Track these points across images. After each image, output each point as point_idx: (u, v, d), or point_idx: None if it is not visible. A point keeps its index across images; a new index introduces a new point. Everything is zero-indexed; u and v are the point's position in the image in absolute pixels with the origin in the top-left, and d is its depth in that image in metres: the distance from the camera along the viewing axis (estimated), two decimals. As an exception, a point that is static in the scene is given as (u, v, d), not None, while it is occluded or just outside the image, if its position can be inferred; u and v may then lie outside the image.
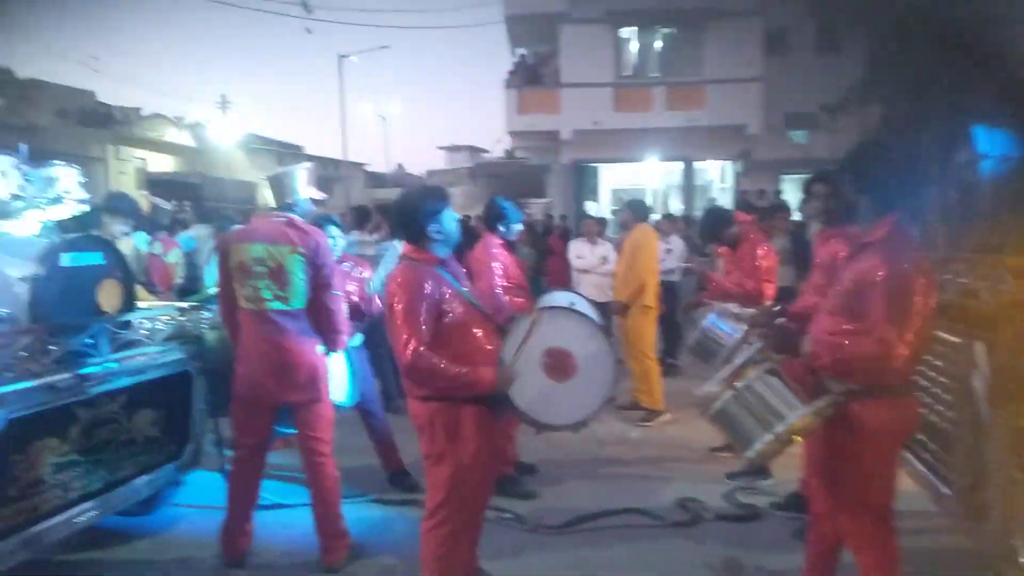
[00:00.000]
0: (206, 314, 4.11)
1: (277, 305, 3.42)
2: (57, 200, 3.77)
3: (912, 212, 2.53)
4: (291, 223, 3.47)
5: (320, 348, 3.56)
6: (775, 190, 15.85)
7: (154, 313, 3.97)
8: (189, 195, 15.80)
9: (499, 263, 4.44)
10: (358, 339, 4.52)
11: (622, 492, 4.51)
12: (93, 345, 3.35)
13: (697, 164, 19.18)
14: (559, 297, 3.74)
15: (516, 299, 4.45)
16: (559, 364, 2.82)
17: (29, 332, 3.11)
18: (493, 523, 3.84)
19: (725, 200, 17.91)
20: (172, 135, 25.97)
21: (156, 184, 18.49)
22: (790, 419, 2.41)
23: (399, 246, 6.56)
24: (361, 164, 36.15)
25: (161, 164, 23.97)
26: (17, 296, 3.15)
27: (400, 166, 40.59)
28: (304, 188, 3.58)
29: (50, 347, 3.16)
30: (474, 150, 36.83)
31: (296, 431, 3.62)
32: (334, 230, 4.30)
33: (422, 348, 2.65)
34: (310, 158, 24.98)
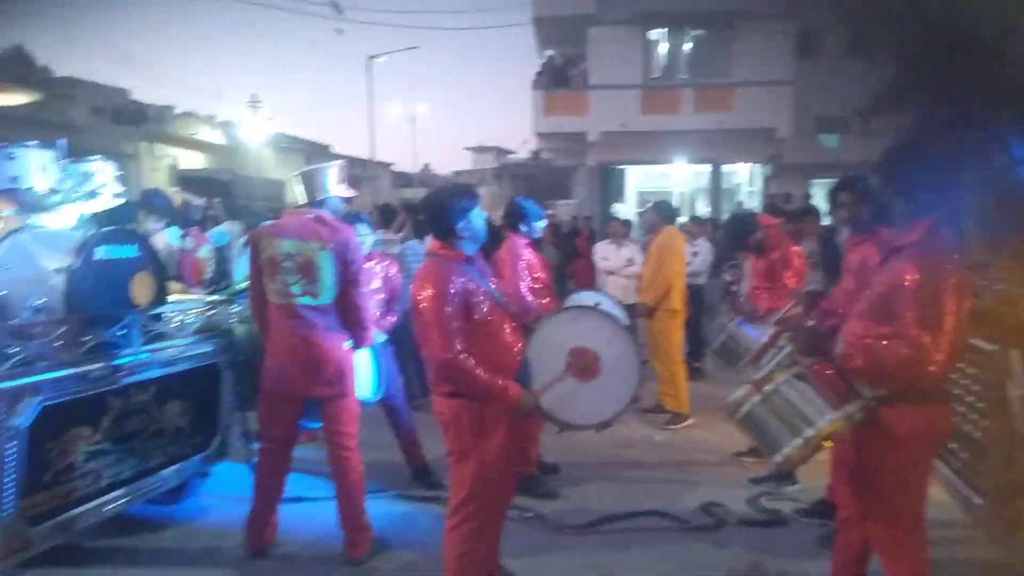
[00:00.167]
0: (235, 308, 4.17)
1: (306, 300, 3.45)
2: (93, 194, 3.84)
3: (947, 216, 2.49)
4: (321, 219, 3.51)
5: (347, 343, 3.59)
6: (804, 194, 15.66)
7: (184, 306, 4.03)
8: (219, 192, 15.98)
9: (524, 263, 4.44)
10: (383, 336, 4.54)
11: (645, 495, 4.49)
12: (125, 336, 3.42)
13: (725, 167, 19.02)
14: (586, 297, 3.74)
15: (542, 300, 4.45)
16: (584, 364, 2.81)
17: (64, 322, 3.18)
18: (515, 522, 3.84)
19: (753, 204, 17.73)
20: (203, 133, 26.35)
21: (187, 181, 18.75)
22: (819, 424, 2.37)
23: (419, 245, 6.63)
24: (388, 164, 36.39)
25: (192, 161, 24.35)
26: (53, 287, 3.22)
27: (426, 166, 40.81)
28: (335, 185, 3.61)
29: (84, 337, 3.23)
30: (500, 151, 36.90)
31: (322, 425, 3.65)
32: (363, 227, 4.33)
33: (459, 349, 2.65)
34: (338, 157, 25.18)
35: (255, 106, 26.82)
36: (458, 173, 35.35)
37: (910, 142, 2.62)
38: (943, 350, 2.29)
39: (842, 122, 17.17)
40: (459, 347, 2.66)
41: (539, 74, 19.47)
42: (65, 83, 21.20)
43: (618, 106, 17.53)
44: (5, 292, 3.23)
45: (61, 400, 3.07)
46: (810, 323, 2.88)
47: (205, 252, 6.39)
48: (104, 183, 3.88)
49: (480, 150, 38.92)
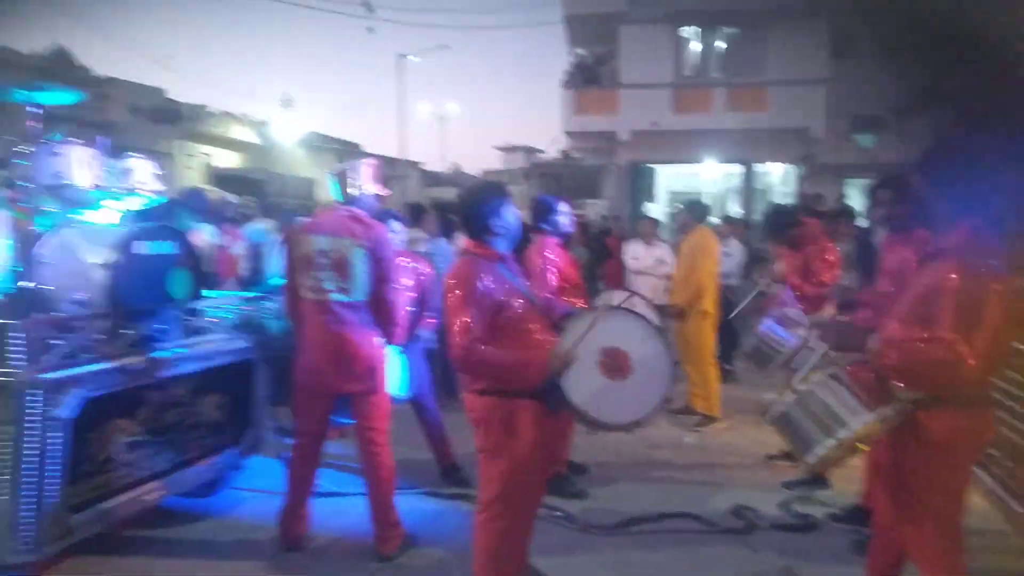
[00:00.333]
0: (269, 304, 4.23)
1: (339, 296, 3.49)
2: (133, 191, 3.93)
3: (989, 219, 2.43)
4: (355, 216, 3.55)
5: (379, 340, 3.62)
6: (839, 195, 15.41)
7: (221, 302, 4.10)
8: (252, 190, 16.25)
9: (554, 264, 4.42)
10: (429, 336, 4.59)
11: (674, 496, 4.46)
12: (164, 331, 3.49)
13: (757, 167, 18.79)
14: (618, 297, 3.72)
15: (572, 300, 4.43)
16: (615, 363, 2.80)
17: (105, 316, 3.25)
18: (544, 521, 3.84)
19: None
20: (237, 132, 26.75)
21: (221, 179, 19.10)
22: (854, 425, 2.34)
23: (447, 244, 6.65)
24: (418, 163, 36.59)
25: (226, 160, 24.74)
26: (96, 282, 3.30)
27: (456, 165, 40.94)
28: (369, 183, 3.65)
29: (124, 331, 3.30)
30: (529, 150, 36.85)
31: (353, 421, 3.69)
32: (395, 225, 4.37)
33: (473, 341, 2.67)
34: (368, 156, 25.40)
35: (288, 105, 27.18)
36: (487, 172, 35.37)
37: (952, 142, 2.55)
38: (979, 354, 2.24)
39: (879, 122, 16.86)
40: (476, 341, 2.66)
41: (569, 73, 19.43)
42: (104, 83, 21.66)
43: (649, 105, 17.42)
44: (49, 286, 3.32)
45: (102, 392, 3.14)
46: (843, 319, 2.83)
47: (240, 249, 6.50)
48: (144, 180, 3.98)
49: (509, 149, 38.88)
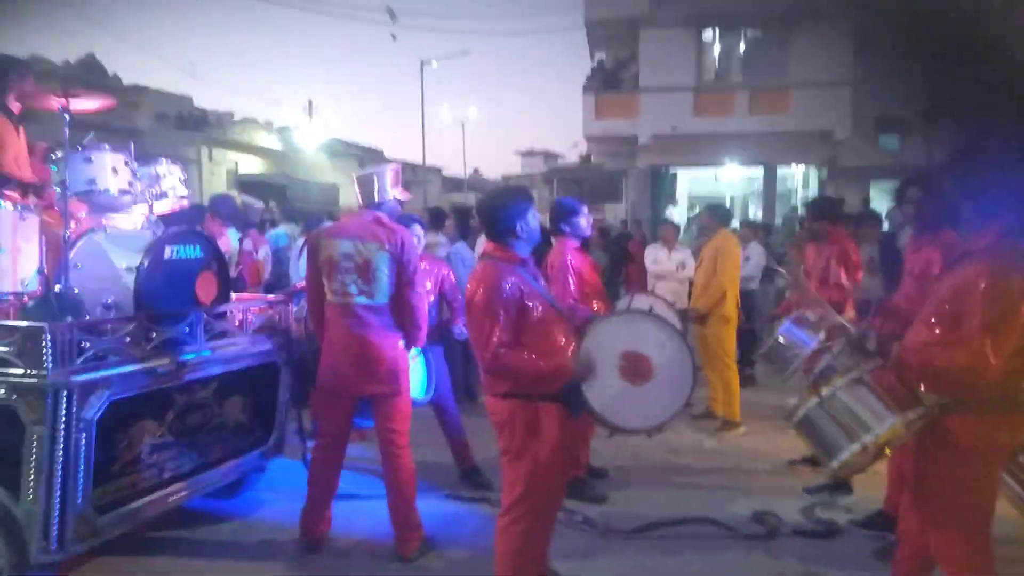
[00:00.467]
0: (293, 308, 4.28)
1: (362, 300, 3.53)
2: (162, 196, 4.00)
3: (1020, 220, 2.39)
4: (378, 221, 3.58)
5: (401, 343, 3.65)
6: (864, 198, 15.23)
7: (245, 305, 4.15)
8: (276, 196, 16.44)
9: (573, 268, 4.42)
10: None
11: (694, 501, 4.44)
12: (190, 334, 3.54)
13: (779, 170, 18.64)
14: (639, 301, 3.72)
15: (593, 303, 4.43)
16: (636, 367, 2.80)
17: (133, 319, 3.31)
18: (563, 525, 3.84)
19: (808, 208, 17.31)
20: (261, 139, 27.11)
21: (245, 185, 19.33)
22: (878, 430, 2.32)
23: (465, 248, 6.67)
24: (438, 168, 36.76)
25: (250, 166, 25.07)
26: (124, 285, 3.36)
27: (476, 171, 41.07)
28: (391, 188, 3.69)
29: (151, 334, 3.35)
30: (549, 155, 36.89)
31: (374, 423, 3.72)
32: (418, 229, 4.40)
33: (503, 346, 2.69)
34: (390, 162, 25.51)
35: (311, 112, 27.48)
36: (507, 177, 35.47)
37: (982, 144, 2.52)
38: (1003, 358, 2.21)
39: (904, 123, 16.65)
40: (503, 345, 2.68)
41: (590, 77, 19.44)
42: (133, 90, 22.09)
43: (670, 108, 17.37)
44: (79, 290, 3.38)
45: (129, 394, 3.19)
46: (866, 327, 2.79)
47: (264, 253, 6.58)
48: (172, 185, 4.04)
49: (529, 154, 38.97)
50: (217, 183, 22.19)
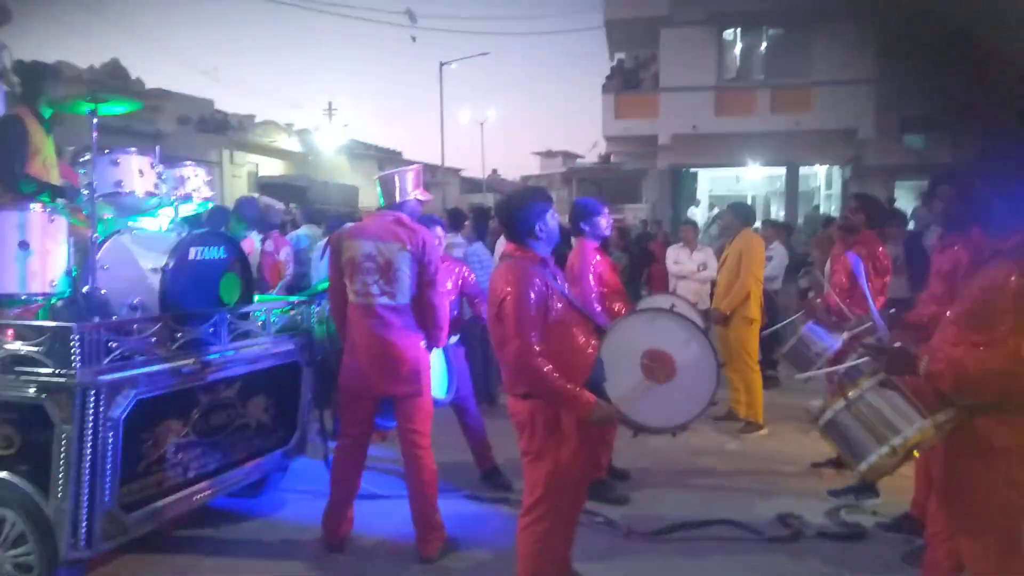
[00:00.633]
0: (315, 308, 4.30)
1: (384, 300, 3.55)
2: (186, 198, 4.05)
3: None
4: (399, 221, 3.60)
5: (423, 343, 3.66)
6: (889, 197, 15.04)
7: (268, 306, 4.19)
8: (296, 197, 16.56)
9: (593, 268, 4.40)
10: (454, 337, 4.61)
11: (717, 503, 4.40)
12: (214, 334, 3.57)
13: (802, 169, 18.47)
14: (660, 301, 3.70)
15: (613, 304, 4.42)
16: (659, 366, 2.78)
17: (159, 320, 3.35)
18: (585, 526, 3.82)
19: (831, 208, 17.15)
20: (282, 141, 27.37)
21: (266, 187, 19.50)
22: (907, 432, 2.28)
23: (483, 249, 6.67)
24: (457, 169, 36.85)
25: (271, 168, 25.32)
26: (150, 286, 3.40)
27: (495, 171, 41.09)
28: (413, 189, 3.70)
29: (177, 334, 3.39)
30: (568, 155, 36.83)
31: (396, 424, 3.73)
32: (438, 230, 4.41)
33: (534, 349, 2.67)
34: (409, 163, 25.66)
35: (331, 114, 27.68)
36: (526, 178, 35.45)
37: (1013, 141, 2.47)
38: None
39: (929, 122, 16.40)
40: (537, 349, 2.68)
41: (609, 77, 19.39)
42: (156, 95, 22.38)
43: (690, 108, 17.29)
44: (106, 291, 3.43)
45: (155, 394, 3.23)
46: (896, 343, 2.73)
47: (285, 254, 6.62)
48: (196, 187, 4.09)
49: (548, 155, 38.92)
50: (238, 185, 22.44)
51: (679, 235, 8.33)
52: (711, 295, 6.81)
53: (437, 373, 4.18)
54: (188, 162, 4.17)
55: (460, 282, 4.75)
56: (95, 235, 3.38)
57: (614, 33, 19.49)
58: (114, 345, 3.08)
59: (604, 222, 4.57)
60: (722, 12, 17.25)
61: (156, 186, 3.78)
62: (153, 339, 3.27)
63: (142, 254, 3.50)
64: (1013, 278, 2.22)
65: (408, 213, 3.67)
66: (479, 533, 3.98)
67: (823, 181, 19.35)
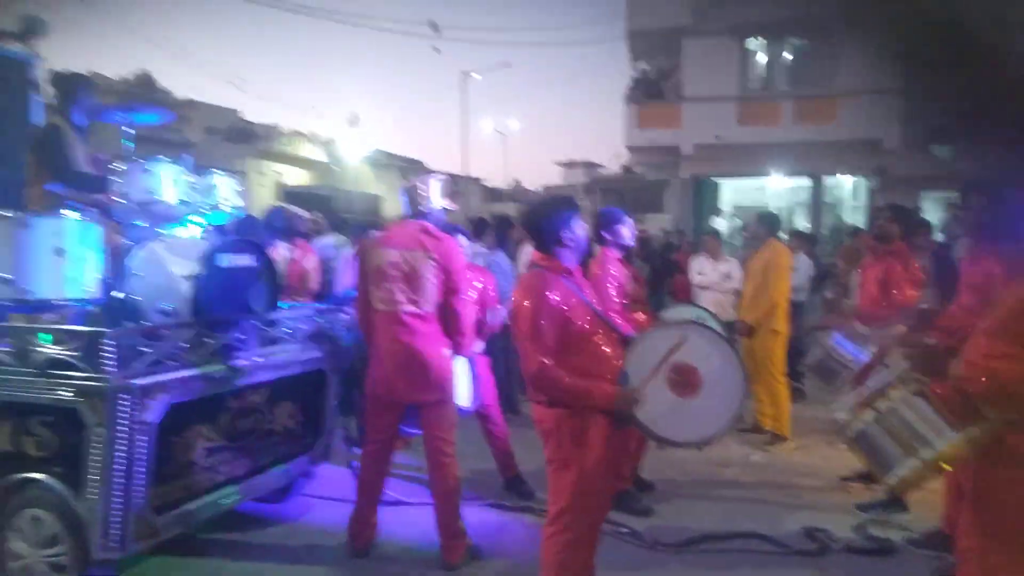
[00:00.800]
0: (341, 316, 4.35)
1: (409, 308, 3.58)
2: (217, 207, 4.12)
3: None
4: (425, 230, 3.64)
5: (447, 351, 3.68)
6: (915, 208, 14.83)
7: (295, 314, 4.24)
8: (321, 207, 16.72)
9: (615, 278, 4.39)
10: (479, 345, 4.63)
11: (742, 516, 4.36)
12: (244, 340, 3.62)
13: (826, 180, 18.29)
14: (684, 311, 3.68)
15: (636, 314, 4.41)
16: (685, 379, 2.76)
17: (189, 326, 3.41)
18: (609, 537, 3.81)
19: (857, 219, 16.95)
20: (307, 150, 27.65)
21: (291, 196, 19.71)
22: (938, 445, 2.25)
23: (505, 258, 6.67)
24: (479, 179, 37.00)
25: (296, 177, 25.59)
26: (182, 293, 3.46)
27: (517, 181, 41.19)
28: (438, 198, 3.74)
29: (207, 340, 3.45)
30: (590, 165, 36.80)
31: (421, 431, 3.75)
32: (462, 239, 4.44)
33: (547, 359, 2.69)
34: (431, 172, 25.79)
35: (354, 124, 27.94)
36: (548, 188, 35.50)
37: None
38: None
39: (957, 132, 16.15)
40: (549, 358, 2.69)
41: (631, 87, 19.37)
42: (183, 104, 22.77)
43: (713, 118, 17.20)
44: (138, 297, 3.50)
45: (186, 398, 3.28)
46: (930, 342, 2.71)
47: (311, 263, 6.68)
48: (226, 196, 4.16)
49: (570, 165, 38.91)
50: (264, 194, 22.69)
51: (702, 245, 8.28)
52: (736, 306, 6.76)
53: (462, 381, 4.20)
54: (218, 171, 4.24)
55: (484, 291, 4.77)
56: (128, 242, 3.45)
57: (636, 43, 19.47)
58: (147, 350, 3.13)
59: (626, 231, 4.56)
60: (745, 22, 17.17)
61: (187, 195, 3.85)
62: (185, 345, 3.33)
63: (174, 261, 3.56)
64: (1049, 290, 2.19)
65: (434, 222, 3.71)
66: (503, 541, 3.98)
67: (850, 192, 19.13)
